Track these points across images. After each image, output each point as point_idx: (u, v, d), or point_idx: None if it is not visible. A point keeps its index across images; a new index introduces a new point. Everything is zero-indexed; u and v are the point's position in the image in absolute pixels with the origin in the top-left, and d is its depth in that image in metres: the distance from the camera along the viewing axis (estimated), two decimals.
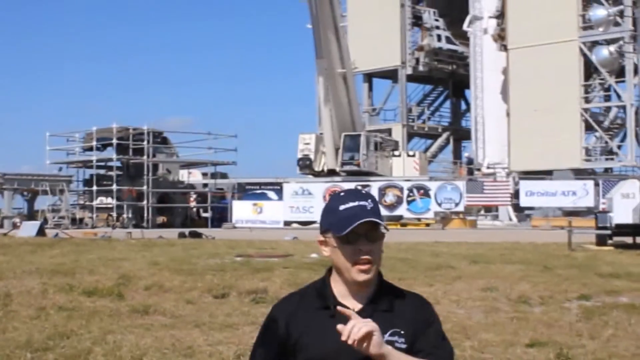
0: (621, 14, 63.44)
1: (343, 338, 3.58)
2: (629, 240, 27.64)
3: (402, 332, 3.84)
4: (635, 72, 65.60)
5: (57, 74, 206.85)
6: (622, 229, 28.04)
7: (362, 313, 3.79)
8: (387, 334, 3.80)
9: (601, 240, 28.55)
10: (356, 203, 3.82)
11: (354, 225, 3.73)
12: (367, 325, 3.61)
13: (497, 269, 19.95)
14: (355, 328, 3.58)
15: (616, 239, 28.72)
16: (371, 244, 3.80)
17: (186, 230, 40.09)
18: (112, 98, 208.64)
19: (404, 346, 3.80)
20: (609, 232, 28.44)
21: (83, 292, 17.04)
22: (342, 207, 3.82)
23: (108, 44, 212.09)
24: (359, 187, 4.90)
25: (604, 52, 27.90)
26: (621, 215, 27.75)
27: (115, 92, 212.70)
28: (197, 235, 37.51)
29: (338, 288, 3.89)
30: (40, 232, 38.28)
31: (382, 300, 3.91)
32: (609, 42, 63.28)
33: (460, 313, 14.72)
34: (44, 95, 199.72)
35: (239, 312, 15.09)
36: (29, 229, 39.17)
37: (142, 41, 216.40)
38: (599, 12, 28.00)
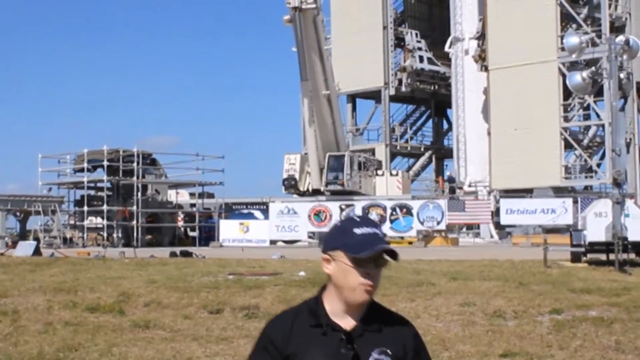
0: (593, 40, 64.82)
1: None
2: (603, 257, 28.47)
3: (389, 352, 4.00)
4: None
5: (42, 94, 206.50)
6: (595, 247, 28.76)
7: (353, 332, 4.00)
8: (375, 352, 3.97)
9: (575, 257, 29.28)
10: (371, 230, 4.00)
11: (377, 249, 3.93)
12: None
13: (475, 285, 20.77)
14: None
15: (591, 255, 29.55)
16: (377, 269, 4.00)
17: (177, 250, 40.60)
18: (96, 118, 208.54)
19: None
20: (582, 249, 29.29)
21: (86, 308, 18.02)
22: (358, 231, 3.98)
23: (92, 63, 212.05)
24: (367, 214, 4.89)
25: (577, 77, 28.88)
26: (594, 233, 28.47)
27: (99, 112, 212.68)
28: (188, 255, 38.01)
29: (331, 306, 4.04)
30: (37, 251, 38.98)
31: (372, 320, 4.05)
32: (587, 62, 64.51)
33: (439, 326, 15.69)
34: (27, 115, 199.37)
35: (234, 326, 16.10)
36: (25, 248, 39.69)
37: (127, 60, 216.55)
38: (571, 40, 28.93)
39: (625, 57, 27.51)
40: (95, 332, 15.63)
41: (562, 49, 65.75)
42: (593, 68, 28.69)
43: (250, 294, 19.30)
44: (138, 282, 21.94)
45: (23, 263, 30.63)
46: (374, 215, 57.07)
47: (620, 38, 28.01)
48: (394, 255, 3.97)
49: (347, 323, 4.01)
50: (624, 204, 27.62)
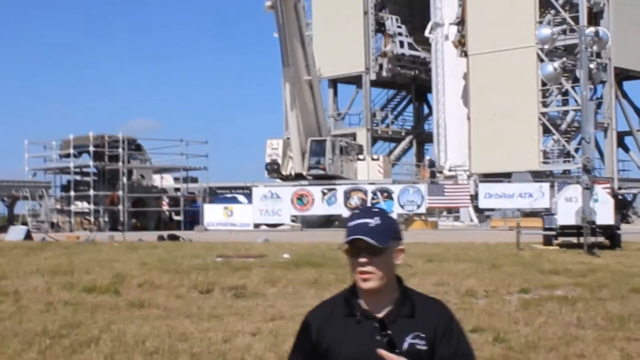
0: (566, 30, 65.83)
1: None
2: (574, 240, 29.64)
3: (423, 335, 4.06)
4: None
5: (20, 79, 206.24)
6: (565, 230, 29.99)
7: (386, 318, 4.09)
8: (409, 336, 4.05)
9: (547, 240, 30.56)
10: (361, 220, 4.09)
11: (345, 241, 4.07)
12: None
13: (450, 266, 21.90)
14: None
15: (562, 239, 30.77)
16: (372, 256, 4.04)
17: (165, 234, 41.61)
18: (76, 103, 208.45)
19: (424, 348, 4.07)
20: (554, 233, 30.56)
21: (83, 289, 18.99)
22: (350, 223, 4.13)
23: (71, 48, 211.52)
24: (376, 206, 4.57)
25: (549, 68, 30.04)
26: (565, 217, 29.58)
27: (78, 96, 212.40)
28: (175, 238, 38.89)
29: (363, 296, 4.14)
30: (28, 236, 39.86)
31: (404, 306, 4.12)
32: (566, 48, 65.49)
33: None
34: (8, 100, 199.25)
35: (223, 305, 17.07)
36: (16, 233, 40.53)
37: (106, 45, 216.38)
38: (543, 32, 30.09)
39: (595, 47, 28.69)
40: (94, 310, 16.50)
41: None
42: (564, 59, 29.82)
43: (237, 275, 20.40)
44: (130, 264, 23.01)
45: (16, 247, 31.60)
46: (355, 200, 58.07)
47: (591, 29, 29.19)
48: (371, 244, 4.01)
49: (380, 310, 4.11)
50: (593, 190, 28.86)
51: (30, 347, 13.09)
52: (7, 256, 27.65)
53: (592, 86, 30.21)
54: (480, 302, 17.01)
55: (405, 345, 4.03)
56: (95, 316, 15.97)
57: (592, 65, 28.50)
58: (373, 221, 4.05)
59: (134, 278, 20.29)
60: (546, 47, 31.48)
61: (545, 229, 31.14)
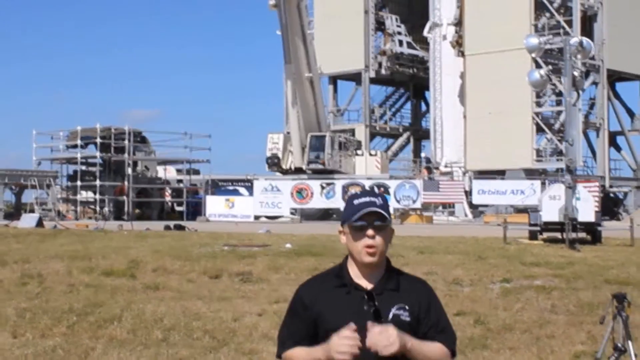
0: (560, 33, 67.15)
1: (371, 345, 4.15)
2: (559, 235, 31.11)
3: (407, 307, 4.36)
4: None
5: (21, 69, 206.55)
6: (549, 226, 31.58)
7: (373, 290, 4.36)
8: (394, 307, 4.34)
9: (533, 235, 32.22)
10: (367, 199, 4.40)
11: (362, 212, 4.34)
12: (391, 337, 4.16)
13: (439, 258, 23.41)
14: (382, 338, 4.15)
15: (547, 234, 32.30)
16: (377, 232, 4.34)
17: (171, 224, 43.04)
18: (76, 92, 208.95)
19: (408, 319, 4.36)
20: (538, 228, 32.21)
21: (102, 273, 20.59)
22: (356, 202, 4.40)
23: (71, 37, 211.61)
24: (374, 188, 5.35)
25: (536, 74, 31.61)
26: (549, 214, 31.17)
27: (78, 86, 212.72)
28: (181, 228, 40.29)
29: (353, 271, 4.42)
30: (39, 223, 41.26)
31: (390, 280, 4.42)
32: (560, 50, 66.31)
33: None
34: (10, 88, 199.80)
35: (231, 288, 18.69)
36: (28, 220, 42.00)
37: (104, 36, 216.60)
38: (531, 41, 31.66)
39: (579, 56, 30.33)
40: (114, 292, 18.02)
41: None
42: (550, 67, 31.39)
43: (244, 262, 22.01)
44: (143, 251, 24.61)
45: (30, 234, 33.06)
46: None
47: (575, 40, 30.80)
48: (383, 217, 4.35)
49: (368, 284, 4.38)
50: (576, 189, 30.54)
51: (59, 323, 14.56)
52: (24, 242, 29.14)
53: (577, 92, 31.66)
54: (465, 290, 18.44)
55: (390, 315, 4.33)
56: (116, 297, 17.43)
57: (575, 73, 30.10)
58: (378, 200, 4.40)
59: (148, 264, 21.84)
60: (533, 55, 32.91)
61: (531, 225, 32.83)
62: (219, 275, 20.28)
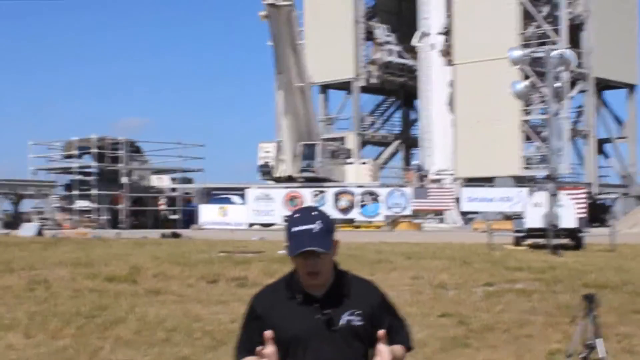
0: (546, 42, 67.87)
1: None
2: (542, 241, 31.91)
3: (359, 312, 4.38)
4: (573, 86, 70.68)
5: (14, 79, 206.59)
6: (533, 232, 32.66)
7: (323, 298, 4.40)
8: (346, 314, 4.38)
9: (517, 241, 33.29)
10: (304, 227, 4.35)
11: (296, 253, 4.33)
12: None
13: (426, 263, 24.26)
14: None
15: (532, 240, 33.17)
16: (317, 258, 4.33)
17: (167, 232, 43.92)
18: (65, 100, 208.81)
19: (360, 323, 4.40)
20: (522, 234, 33.32)
21: (105, 278, 21.39)
22: (292, 230, 4.37)
23: (59, 47, 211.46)
24: (313, 207, 5.03)
25: (519, 86, 32.73)
26: (532, 220, 32.31)
27: (67, 94, 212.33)
28: (177, 236, 41.15)
29: (303, 281, 4.43)
30: (39, 232, 42.03)
31: (340, 286, 4.44)
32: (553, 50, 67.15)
33: (392, 294, 18.63)
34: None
35: (228, 292, 19.54)
36: (28, 229, 42.83)
37: (94, 44, 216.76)
38: (514, 53, 32.73)
39: (561, 67, 31.40)
40: (117, 296, 18.79)
41: (524, 46, 69.20)
42: (532, 79, 32.42)
43: (239, 268, 22.93)
44: (144, 258, 25.54)
45: (32, 242, 33.89)
46: (343, 202, 60.17)
47: (557, 52, 31.87)
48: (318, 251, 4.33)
49: (319, 292, 4.41)
50: (558, 196, 31.62)
51: (68, 325, 15.27)
52: (27, 250, 30.01)
53: (559, 103, 32.75)
54: (450, 293, 19.25)
55: (343, 322, 4.38)
56: (119, 301, 18.16)
57: (557, 85, 31.19)
58: (316, 225, 4.34)
59: (149, 269, 22.75)
60: (517, 67, 34.01)
61: (515, 231, 33.90)
62: (216, 280, 21.15)
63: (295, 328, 4.36)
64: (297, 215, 4.46)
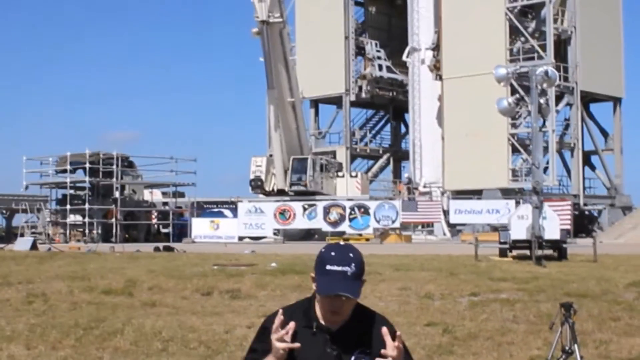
0: (534, 57, 68.71)
1: None
2: (527, 252, 32.55)
3: (368, 350, 4.38)
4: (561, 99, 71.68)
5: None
6: (518, 244, 33.37)
7: (338, 333, 4.42)
8: (356, 352, 4.40)
9: (502, 253, 33.97)
10: (340, 268, 4.31)
11: (333, 293, 4.31)
12: None
13: (414, 274, 24.82)
14: None
15: (517, 251, 33.85)
16: (343, 301, 4.37)
17: (160, 245, 44.30)
18: (55, 112, 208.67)
19: None
20: (507, 246, 34.06)
21: (101, 291, 21.85)
22: (328, 267, 4.34)
23: (47, 56, 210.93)
24: (350, 246, 4.88)
25: (504, 103, 33.58)
26: (517, 232, 32.90)
27: (56, 106, 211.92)
28: (170, 250, 41.58)
29: (320, 310, 4.46)
30: (34, 246, 42.54)
31: (357, 322, 4.45)
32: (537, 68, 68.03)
33: (381, 304, 19.30)
34: None
35: (222, 304, 20.03)
36: (23, 243, 43.26)
37: (85, 55, 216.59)
38: (499, 71, 33.57)
39: (545, 85, 32.22)
40: (114, 309, 19.24)
41: (511, 60, 70.27)
42: (517, 95, 33.19)
43: (232, 280, 23.47)
44: (139, 271, 26.12)
45: (27, 257, 34.38)
46: (334, 215, 60.80)
47: (541, 70, 32.66)
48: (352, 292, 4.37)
49: (335, 325, 4.42)
50: (542, 208, 32.32)
51: (67, 336, 15.66)
52: (23, 264, 30.47)
53: (543, 119, 33.59)
54: (436, 303, 19.73)
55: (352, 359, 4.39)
56: (117, 313, 18.61)
57: (541, 101, 32.04)
58: (350, 269, 4.33)
59: (144, 282, 23.27)
60: (502, 84, 34.82)
61: (501, 243, 34.63)
62: (210, 293, 21.62)
63: (307, 357, 4.38)
64: (334, 253, 4.42)
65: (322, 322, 4.44)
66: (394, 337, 4.38)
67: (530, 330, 16.23)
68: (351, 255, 4.40)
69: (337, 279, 4.31)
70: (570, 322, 11.27)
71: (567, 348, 11.32)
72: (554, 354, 11.74)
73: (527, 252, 32.47)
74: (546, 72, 31.96)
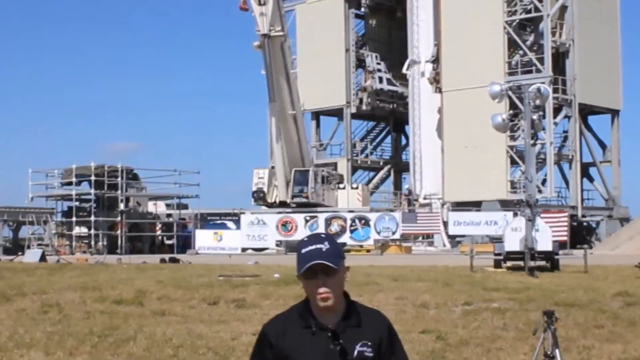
0: (532, 70, 69.61)
1: None
2: (521, 263, 33.53)
3: (370, 343, 4.45)
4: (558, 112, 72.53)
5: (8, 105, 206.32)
6: (511, 255, 34.40)
7: (337, 329, 4.46)
8: (358, 344, 4.45)
9: (497, 264, 34.99)
10: (313, 247, 4.42)
11: (306, 267, 4.39)
12: None
13: (411, 284, 25.72)
14: None
15: (511, 262, 34.92)
16: (327, 277, 4.39)
17: (166, 257, 45.17)
18: (53, 124, 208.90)
19: (371, 354, 4.47)
20: (502, 257, 35.05)
21: (113, 301, 22.77)
22: (303, 251, 4.44)
23: (49, 68, 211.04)
24: (322, 232, 5.40)
25: (498, 118, 34.59)
26: (511, 244, 33.98)
27: (55, 118, 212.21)
28: (176, 261, 42.53)
29: (315, 310, 4.49)
30: (43, 258, 43.34)
31: (352, 317, 4.49)
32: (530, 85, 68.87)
33: None
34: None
35: (228, 313, 21.06)
36: (32, 255, 44.09)
37: (86, 66, 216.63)
38: (494, 88, 34.56)
39: (538, 101, 33.23)
40: (126, 318, 20.13)
41: (509, 73, 71.32)
42: (511, 111, 34.22)
43: (238, 290, 24.40)
44: (147, 282, 27.06)
45: (37, 268, 35.27)
46: (335, 227, 61.53)
47: (534, 87, 33.69)
48: (326, 266, 4.41)
49: (331, 322, 4.45)
50: (535, 221, 33.35)
51: (83, 343, 16.59)
52: (34, 275, 31.32)
53: (535, 133, 34.63)
54: (431, 312, 20.68)
55: (355, 353, 4.43)
56: (128, 322, 19.50)
57: (534, 117, 33.10)
58: (324, 246, 4.42)
59: (153, 293, 24.20)
60: (496, 101, 35.82)
61: (495, 254, 35.62)
62: (216, 302, 22.58)
63: (310, 357, 4.44)
64: (306, 238, 4.56)
65: (319, 320, 4.50)
66: (391, 333, 4.66)
67: (519, 337, 17.04)
68: (323, 236, 4.57)
69: (312, 254, 4.42)
70: (552, 329, 11.90)
71: (549, 353, 11.96)
72: (537, 358, 12.41)
73: (521, 263, 33.42)
74: (538, 89, 32.92)
